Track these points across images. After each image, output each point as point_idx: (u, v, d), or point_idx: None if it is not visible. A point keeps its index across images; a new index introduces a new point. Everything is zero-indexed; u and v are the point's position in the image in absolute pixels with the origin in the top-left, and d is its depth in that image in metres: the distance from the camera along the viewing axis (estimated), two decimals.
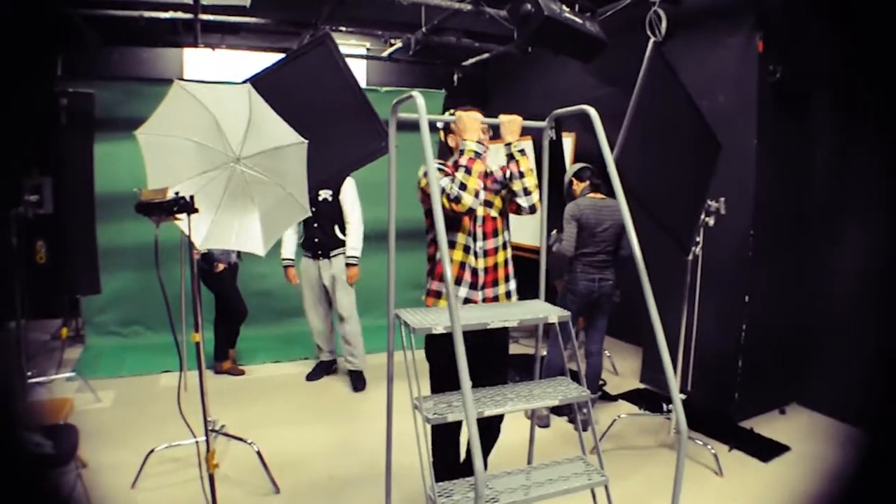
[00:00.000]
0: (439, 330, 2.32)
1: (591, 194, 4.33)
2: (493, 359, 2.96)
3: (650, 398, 4.93)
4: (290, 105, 2.99)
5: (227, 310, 5.20)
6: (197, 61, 7.05)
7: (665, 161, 3.34)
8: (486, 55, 6.90)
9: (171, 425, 3.21)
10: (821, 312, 4.63)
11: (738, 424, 4.41)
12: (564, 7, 3.71)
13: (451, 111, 2.81)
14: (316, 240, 4.88)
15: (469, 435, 1.81)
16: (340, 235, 4.92)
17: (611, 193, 4.27)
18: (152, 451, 3.50)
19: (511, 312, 2.61)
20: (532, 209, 2.85)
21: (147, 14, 5.36)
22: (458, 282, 2.80)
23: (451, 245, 2.79)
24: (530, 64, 6.95)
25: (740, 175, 4.32)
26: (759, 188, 4.37)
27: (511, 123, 2.74)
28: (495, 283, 2.87)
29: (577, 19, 3.81)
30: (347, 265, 4.90)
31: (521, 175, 2.78)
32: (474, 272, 2.82)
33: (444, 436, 2.89)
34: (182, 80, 3.15)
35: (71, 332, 6.15)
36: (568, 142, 6.22)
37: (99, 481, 3.38)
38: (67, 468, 2.90)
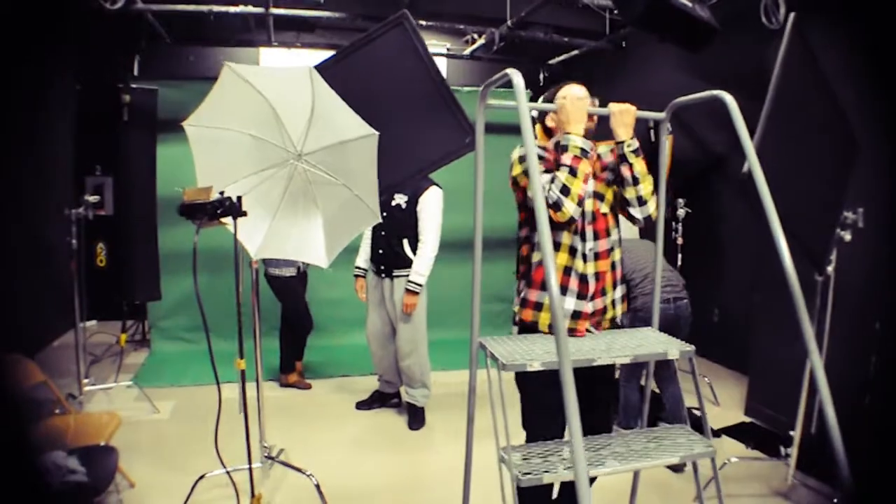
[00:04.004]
0: (535, 367, 1.88)
1: None
2: (596, 393, 2.48)
3: (758, 434, 4.35)
4: (361, 95, 2.61)
5: (292, 321, 4.89)
6: (273, 60, 6.85)
7: (801, 162, 2.80)
8: (574, 52, 6.46)
9: (228, 444, 2.92)
10: None
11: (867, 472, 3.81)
12: None
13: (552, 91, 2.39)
14: (380, 251, 4.19)
15: None
16: (409, 253, 4.15)
17: None
18: (203, 476, 3.19)
19: (622, 345, 2.15)
20: (648, 220, 2.36)
21: (216, 9, 5.13)
22: (562, 291, 2.31)
23: (555, 247, 2.32)
24: (621, 62, 6.48)
25: (876, 182, 3.70)
26: None
27: (623, 114, 2.26)
28: (604, 292, 2.38)
29: (686, 2, 3.32)
30: (407, 290, 4.12)
31: (636, 181, 2.30)
32: (583, 279, 2.33)
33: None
34: None
35: (138, 335, 6.03)
36: (666, 143, 5.69)
37: None
38: (107, 493, 2.63)
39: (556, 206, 2.12)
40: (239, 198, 2.01)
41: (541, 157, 2.32)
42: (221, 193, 1.98)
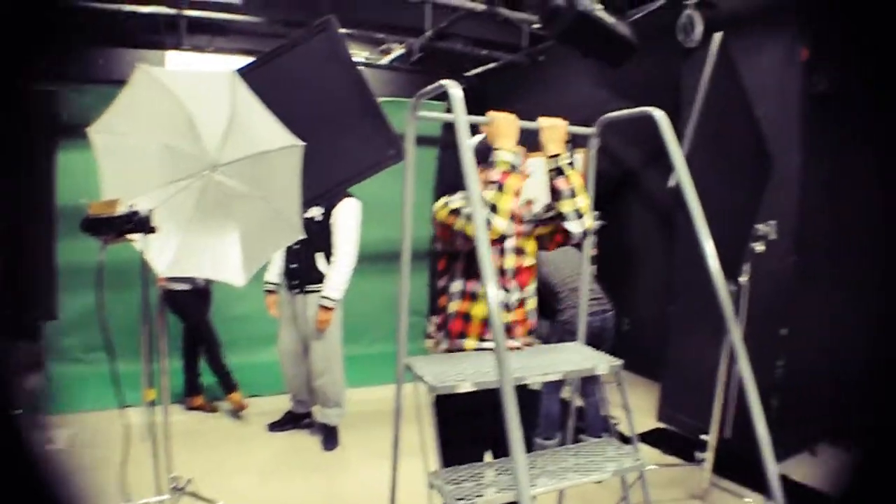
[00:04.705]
0: (467, 388, 1.82)
1: None
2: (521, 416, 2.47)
3: (672, 440, 4.49)
4: (281, 103, 2.48)
5: (198, 342, 4.63)
6: (182, 65, 6.50)
7: (721, 175, 2.89)
8: (490, 65, 6.49)
9: (131, 475, 2.71)
10: (861, 345, 4.13)
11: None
12: (597, 5, 3.29)
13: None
14: (293, 265, 4.02)
15: None
16: (323, 267, 4.01)
17: None
18: None
19: (550, 362, 2.12)
20: (584, 235, 2.33)
21: (127, 7, 4.84)
22: (480, 339, 2.31)
23: (473, 297, 2.30)
24: (537, 76, 6.56)
25: (782, 195, 3.89)
26: (803, 210, 3.97)
27: (554, 129, 2.24)
28: (514, 338, 2.38)
29: (609, 19, 3.39)
30: (321, 306, 3.95)
31: (573, 193, 2.26)
32: (506, 328, 2.32)
33: None
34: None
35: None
36: (578, 158, 5.79)
37: None
38: None
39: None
40: (150, 211, 1.86)
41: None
42: (131, 207, 1.82)
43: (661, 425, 4.82)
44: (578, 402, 3.90)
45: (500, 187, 2.08)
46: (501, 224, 2.07)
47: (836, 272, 4.29)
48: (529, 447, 2.41)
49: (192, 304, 4.50)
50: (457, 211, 2.17)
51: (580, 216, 2.27)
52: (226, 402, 4.78)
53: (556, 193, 2.29)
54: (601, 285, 4.05)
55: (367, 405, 4.77)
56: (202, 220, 2.40)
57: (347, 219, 3.98)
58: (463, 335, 2.31)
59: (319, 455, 4.13)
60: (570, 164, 2.28)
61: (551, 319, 3.95)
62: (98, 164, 2.29)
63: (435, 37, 5.45)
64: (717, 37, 2.73)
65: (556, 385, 3.93)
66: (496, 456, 2.30)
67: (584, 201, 2.28)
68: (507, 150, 2.13)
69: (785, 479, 3.74)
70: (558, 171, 2.27)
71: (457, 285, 2.32)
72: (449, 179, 5.62)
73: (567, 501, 3.07)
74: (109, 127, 2.21)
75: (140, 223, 1.85)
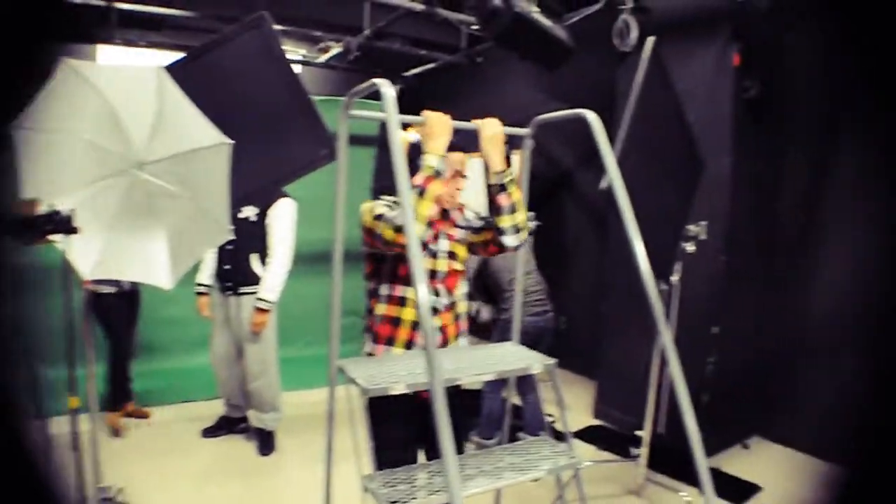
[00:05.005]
0: (400, 389, 1.80)
1: None
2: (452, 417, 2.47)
3: (608, 436, 4.57)
4: (213, 100, 2.41)
5: (112, 345, 4.37)
6: (113, 60, 6.24)
7: (653, 177, 2.97)
8: (428, 66, 6.49)
9: (56, 488, 2.59)
10: (788, 342, 4.40)
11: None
12: (534, 7, 3.32)
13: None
14: (226, 267, 3.91)
15: None
16: (258, 269, 3.92)
17: None
18: None
19: (484, 361, 2.12)
20: (518, 248, 2.36)
21: None
22: (408, 346, 2.30)
23: (401, 302, 2.29)
24: (475, 77, 6.59)
25: (713, 197, 4.03)
26: (734, 211, 4.11)
27: (495, 139, 2.21)
28: (446, 343, 2.37)
29: (546, 21, 3.42)
30: (257, 308, 3.87)
31: (514, 209, 2.25)
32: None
33: None
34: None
35: None
36: (514, 160, 5.85)
37: None
38: None
39: (401, 229, 2.03)
40: (71, 211, 1.78)
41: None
42: (52, 206, 1.74)
43: (597, 422, 4.91)
44: (516, 400, 3.94)
45: (422, 192, 2.04)
46: (418, 229, 2.03)
47: (766, 272, 4.46)
48: (461, 447, 2.43)
49: (118, 306, 4.31)
50: (381, 216, 2.15)
51: (518, 230, 2.28)
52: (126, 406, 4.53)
53: (497, 209, 2.27)
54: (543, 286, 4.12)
55: (302, 409, 4.71)
56: (128, 220, 2.31)
57: (283, 219, 3.91)
58: (391, 341, 2.31)
59: (255, 460, 4.05)
60: (512, 179, 2.26)
61: (496, 309, 3.99)
62: (18, 161, 2.17)
63: (373, 36, 5.41)
64: (650, 41, 2.79)
65: (498, 384, 3.96)
66: (430, 457, 2.30)
67: (522, 215, 2.29)
68: (434, 154, 2.09)
69: (717, 472, 3.88)
70: (501, 187, 2.24)
71: (384, 289, 2.32)
72: (385, 179, 5.61)
73: (505, 500, 3.08)
74: (31, 123, 2.10)
75: (61, 223, 1.77)
